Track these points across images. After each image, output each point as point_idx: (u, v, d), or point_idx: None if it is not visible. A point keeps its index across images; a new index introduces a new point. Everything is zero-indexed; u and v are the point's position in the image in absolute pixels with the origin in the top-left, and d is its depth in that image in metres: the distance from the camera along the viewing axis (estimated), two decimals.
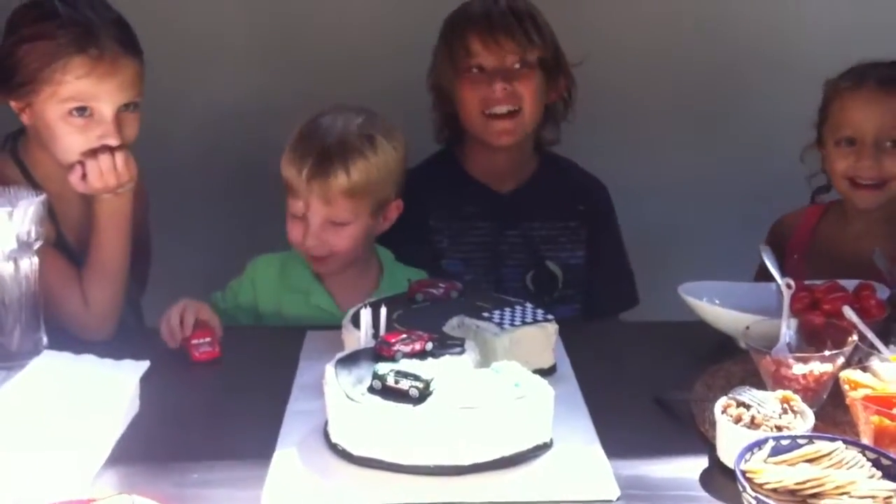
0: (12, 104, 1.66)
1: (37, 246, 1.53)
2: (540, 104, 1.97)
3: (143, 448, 1.31)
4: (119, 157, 1.65)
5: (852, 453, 1.16)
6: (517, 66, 1.92)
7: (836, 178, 1.86)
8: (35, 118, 1.65)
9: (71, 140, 1.64)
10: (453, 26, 1.97)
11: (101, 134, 1.64)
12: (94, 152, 1.64)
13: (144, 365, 1.41)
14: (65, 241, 1.74)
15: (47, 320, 1.57)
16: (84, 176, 1.65)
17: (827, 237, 1.92)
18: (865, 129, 1.79)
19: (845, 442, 1.17)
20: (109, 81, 1.62)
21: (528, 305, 1.56)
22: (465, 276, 1.93)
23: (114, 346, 1.53)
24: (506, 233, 2.00)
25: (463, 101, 1.95)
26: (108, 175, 1.65)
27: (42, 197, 1.54)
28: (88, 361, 1.43)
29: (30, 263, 1.52)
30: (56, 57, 1.60)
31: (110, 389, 1.36)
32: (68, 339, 1.59)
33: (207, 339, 1.59)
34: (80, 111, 1.62)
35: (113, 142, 1.64)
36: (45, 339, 1.55)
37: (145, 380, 1.40)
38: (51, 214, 1.71)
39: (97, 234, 1.70)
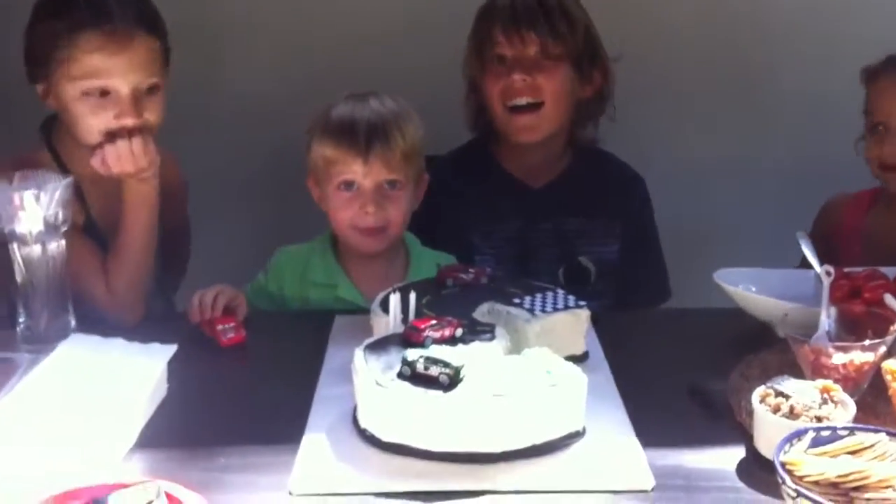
0: (38, 88, 1.66)
1: (64, 229, 1.53)
2: (567, 99, 1.93)
3: (171, 432, 1.31)
4: (136, 142, 1.63)
5: (895, 445, 1.12)
6: (540, 57, 1.88)
7: (871, 164, 1.87)
8: (56, 101, 1.65)
9: (88, 120, 1.63)
10: (482, 15, 1.94)
11: (117, 113, 1.62)
12: (112, 135, 1.63)
13: (172, 349, 1.41)
14: (94, 226, 1.73)
15: (76, 304, 1.57)
16: (104, 160, 1.65)
17: (879, 223, 1.89)
18: (891, 114, 1.79)
19: (889, 434, 1.14)
20: (122, 57, 1.60)
21: (560, 291, 1.53)
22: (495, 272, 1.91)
23: (142, 330, 1.51)
24: (537, 228, 1.97)
25: (487, 92, 1.93)
26: (125, 159, 1.63)
27: (69, 180, 1.54)
28: (116, 345, 1.43)
29: (57, 246, 1.52)
30: (65, 34, 1.59)
31: (138, 373, 1.35)
32: (97, 321, 1.59)
33: (231, 325, 1.58)
34: (97, 90, 1.61)
35: (129, 122, 1.62)
36: (73, 322, 1.55)
37: (173, 363, 1.40)
38: (81, 198, 1.71)
39: (123, 219, 1.70)
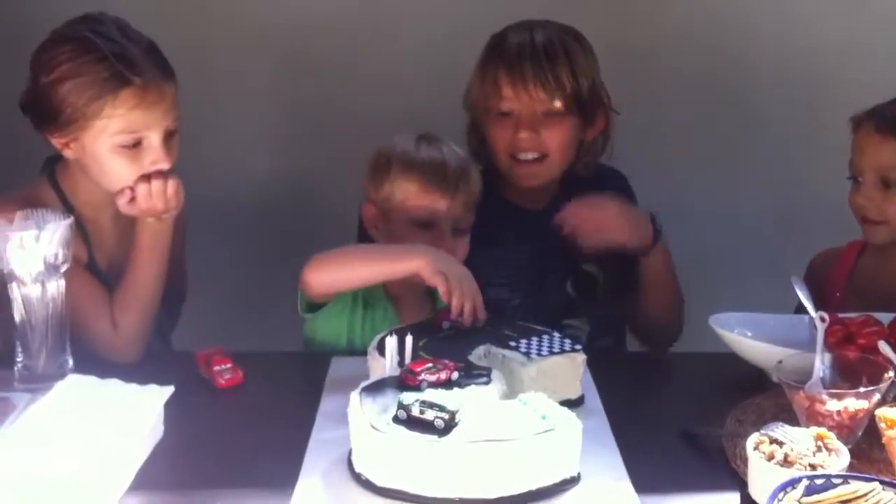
0: (54, 141, 1.66)
1: (64, 269, 1.53)
2: (570, 148, 1.93)
3: (166, 474, 1.31)
4: (171, 183, 1.67)
5: (889, 494, 1.12)
6: (547, 113, 1.88)
7: (853, 212, 1.86)
8: (81, 152, 1.65)
9: (123, 171, 1.64)
10: (488, 59, 1.92)
11: (152, 160, 1.65)
12: (146, 177, 1.65)
13: (169, 390, 1.41)
14: (96, 266, 1.74)
15: (73, 343, 1.57)
16: (132, 199, 1.66)
17: (868, 272, 1.89)
18: (864, 167, 1.80)
19: (882, 482, 1.14)
20: (157, 109, 1.63)
21: (556, 335, 1.54)
22: (511, 301, 1.91)
23: (139, 370, 1.52)
24: (544, 248, 1.96)
25: (491, 141, 1.93)
26: (157, 199, 1.66)
27: (70, 220, 1.55)
28: (113, 385, 1.43)
29: (56, 286, 1.52)
30: (102, 93, 1.59)
31: (134, 414, 1.35)
32: (94, 362, 1.59)
33: (228, 366, 1.59)
34: (131, 142, 1.63)
35: (165, 166, 1.65)
36: (70, 362, 1.55)
37: (169, 405, 1.40)
38: (84, 239, 1.71)
39: (134, 258, 1.71)
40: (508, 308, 1.90)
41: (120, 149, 1.63)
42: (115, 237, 1.76)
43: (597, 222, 1.84)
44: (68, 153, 1.67)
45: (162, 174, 1.66)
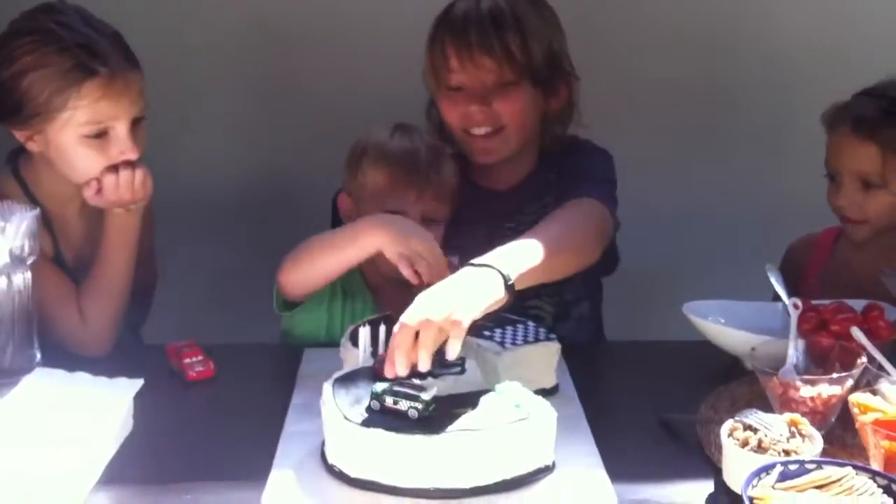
0: (17, 134, 1.63)
1: (30, 261, 1.51)
2: (530, 118, 1.84)
3: (137, 468, 1.29)
4: (139, 173, 1.64)
5: (862, 479, 1.12)
6: (497, 83, 1.77)
7: (833, 211, 1.85)
8: (46, 146, 1.62)
9: (90, 162, 1.61)
10: (435, 34, 1.82)
11: (120, 150, 1.62)
12: (114, 167, 1.62)
13: (138, 383, 1.39)
14: (62, 259, 1.72)
15: (41, 337, 1.55)
16: (99, 191, 1.63)
17: (843, 259, 1.90)
18: (841, 168, 1.78)
19: (855, 468, 1.14)
20: (124, 99, 1.60)
21: (531, 324, 1.53)
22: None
23: (108, 363, 1.50)
24: (501, 228, 1.87)
25: (444, 116, 1.86)
26: (124, 189, 1.63)
27: (35, 212, 1.52)
28: (82, 379, 1.41)
29: (23, 279, 1.50)
30: (67, 84, 1.56)
31: (104, 408, 1.33)
32: (62, 355, 1.57)
33: (199, 358, 1.57)
34: (96, 132, 1.60)
35: (133, 156, 1.63)
36: (38, 356, 1.53)
37: (139, 398, 1.38)
38: (50, 231, 1.69)
39: (103, 250, 1.69)
40: None
41: (86, 140, 1.60)
42: (82, 230, 1.74)
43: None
44: (32, 146, 1.64)
45: (129, 164, 1.63)
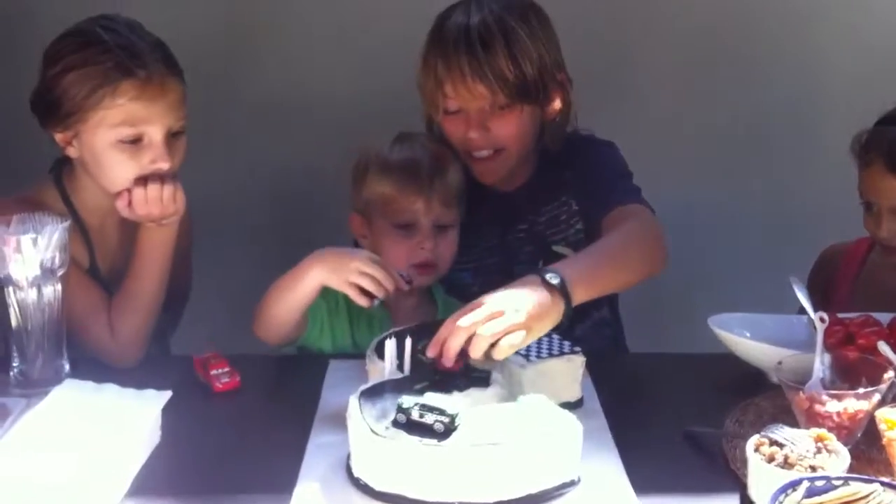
0: (57, 137, 1.65)
1: (60, 273, 1.52)
2: (527, 136, 1.83)
3: (164, 480, 1.30)
4: (167, 188, 1.64)
5: (890, 496, 1.12)
6: (494, 107, 1.76)
7: (870, 234, 1.84)
8: (82, 149, 1.64)
9: (122, 168, 1.62)
10: (428, 57, 1.79)
11: (152, 158, 1.63)
12: (144, 180, 1.63)
13: (167, 395, 1.40)
14: (96, 270, 1.73)
15: (71, 347, 1.56)
16: (130, 203, 1.64)
17: (876, 270, 1.88)
18: (880, 203, 1.77)
19: (883, 484, 1.13)
20: (159, 103, 1.62)
21: (556, 337, 1.53)
22: (472, 286, 1.85)
23: (136, 375, 1.51)
24: (513, 230, 1.91)
25: (447, 137, 1.84)
26: (153, 203, 1.63)
27: (67, 223, 1.54)
28: (110, 390, 1.42)
29: (53, 291, 1.52)
30: (105, 82, 1.59)
31: (132, 419, 1.34)
32: (91, 366, 1.58)
33: (226, 370, 1.58)
34: (131, 137, 1.61)
35: (164, 166, 1.63)
36: (67, 367, 1.55)
37: (167, 410, 1.39)
38: (87, 242, 1.71)
39: (136, 263, 1.69)
40: (469, 293, 1.86)
41: (119, 144, 1.61)
42: (119, 242, 1.75)
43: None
44: (71, 151, 1.66)
45: (160, 178, 1.63)
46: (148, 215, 1.65)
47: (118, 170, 1.63)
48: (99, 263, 1.74)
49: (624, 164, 1.89)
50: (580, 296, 1.47)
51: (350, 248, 1.68)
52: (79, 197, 1.72)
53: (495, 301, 1.39)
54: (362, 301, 1.57)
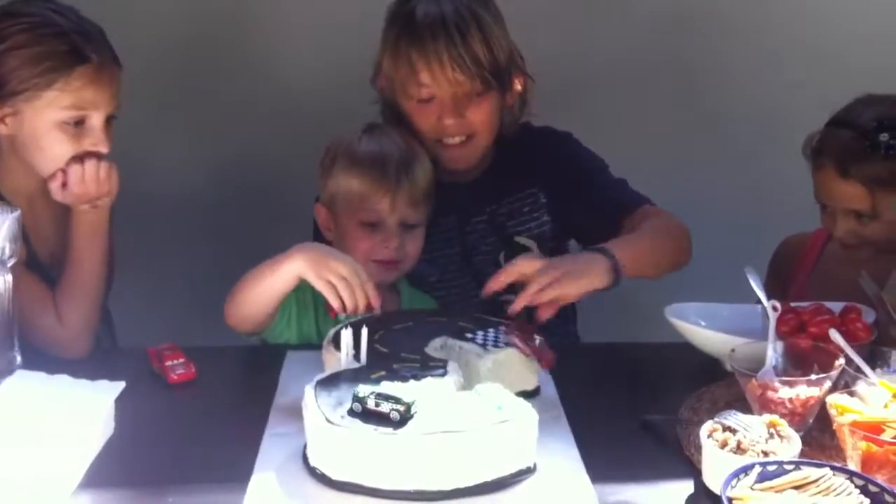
0: None
1: (10, 263, 1.50)
2: (496, 122, 1.86)
3: (118, 471, 1.29)
4: (104, 166, 1.64)
5: (840, 480, 1.14)
6: (469, 94, 1.79)
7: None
8: (19, 127, 1.62)
9: (61, 149, 1.62)
10: (398, 38, 1.79)
11: (93, 142, 1.63)
12: (79, 158, 1.63)
13: (120, 385, 1.39)
14: (36, 259, 1.71)
15: (21, 339, 1.54)
16: (64, 184, 1.63)
17: (833, 261, 1.90)
18: (834, 206, 1.78)
19: (833, 468, 1.15)
20: (107, 90, 1.63)
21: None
22: (429, 277, 1.87)
23: (89, 366, 1.50)
24: (472, 221, 1.92)
25: (416, 126, 1.84)
26: (90, 181, 1.63)
27: (17, 213, 1.51)
28: (62, 381, 1.41)
29: (3, 281, 1.49)
30: (60, 65, 1.59)
31: (85, 410, 1.33)
32: (43, 358, 1.56)
33: (181, 360, 1.56)
34: (73, 120, 1.61)
35: (104, 149, 1.64)
36: (18, 359, 1.52)
37: (120, 400, 1.38)
38: (21, 232, 1.67)
39: (73, 250, 1.68)
40: (426, 284, 1.87)
41: (63, 125, 1.61)
42: (54, 230, 1.73)
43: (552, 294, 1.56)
44: (3, 129, 1.64)
45: (96, 156, 1.63)
46: (84, 194, 1.64)
47: (57, 149, 1.62)
48: (38, 251, 1.71)
49: (603, 160, 1.94)
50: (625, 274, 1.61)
51: (336, 250, 1.65)
52: (5, 182, 1.69)
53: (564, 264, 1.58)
54: (334, 302, 1.55)
